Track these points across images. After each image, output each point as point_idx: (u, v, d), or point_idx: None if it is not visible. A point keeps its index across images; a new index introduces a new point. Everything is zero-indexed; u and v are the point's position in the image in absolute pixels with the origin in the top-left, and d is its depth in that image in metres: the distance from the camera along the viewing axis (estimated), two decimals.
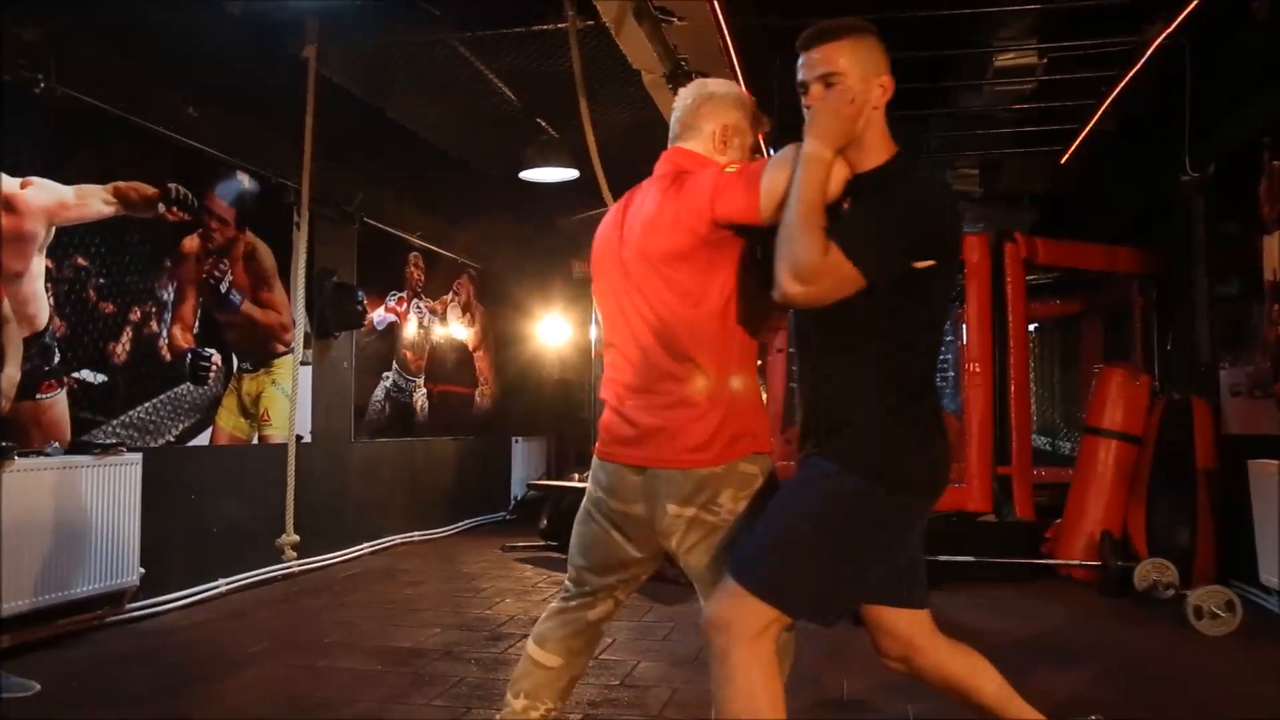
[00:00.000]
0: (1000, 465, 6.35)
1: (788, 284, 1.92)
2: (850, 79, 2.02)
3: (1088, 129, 5.68)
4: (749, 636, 1.94)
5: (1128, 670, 4.06)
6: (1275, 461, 4.86)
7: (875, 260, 1.93)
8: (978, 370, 6.36)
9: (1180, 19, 4.45)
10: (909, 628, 2.26)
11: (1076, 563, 5.81)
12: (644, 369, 2.21)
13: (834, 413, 2.09)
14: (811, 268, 1.90)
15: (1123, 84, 5.09)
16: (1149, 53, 4.70)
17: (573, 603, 2.41)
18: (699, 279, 2.13)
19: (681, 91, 2.40)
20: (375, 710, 3.40)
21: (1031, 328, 10.72)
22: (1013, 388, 6.43)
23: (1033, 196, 8.18)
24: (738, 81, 4.72)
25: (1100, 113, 5.51)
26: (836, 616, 2.08)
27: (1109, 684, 3.81)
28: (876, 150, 2.07)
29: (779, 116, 6.73)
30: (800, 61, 2.09)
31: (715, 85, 2.37)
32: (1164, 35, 4.54)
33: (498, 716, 2.43)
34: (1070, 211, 8.49)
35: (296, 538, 5.68)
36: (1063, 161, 6.60)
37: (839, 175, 2.02)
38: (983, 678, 2.30)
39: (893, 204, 1.99)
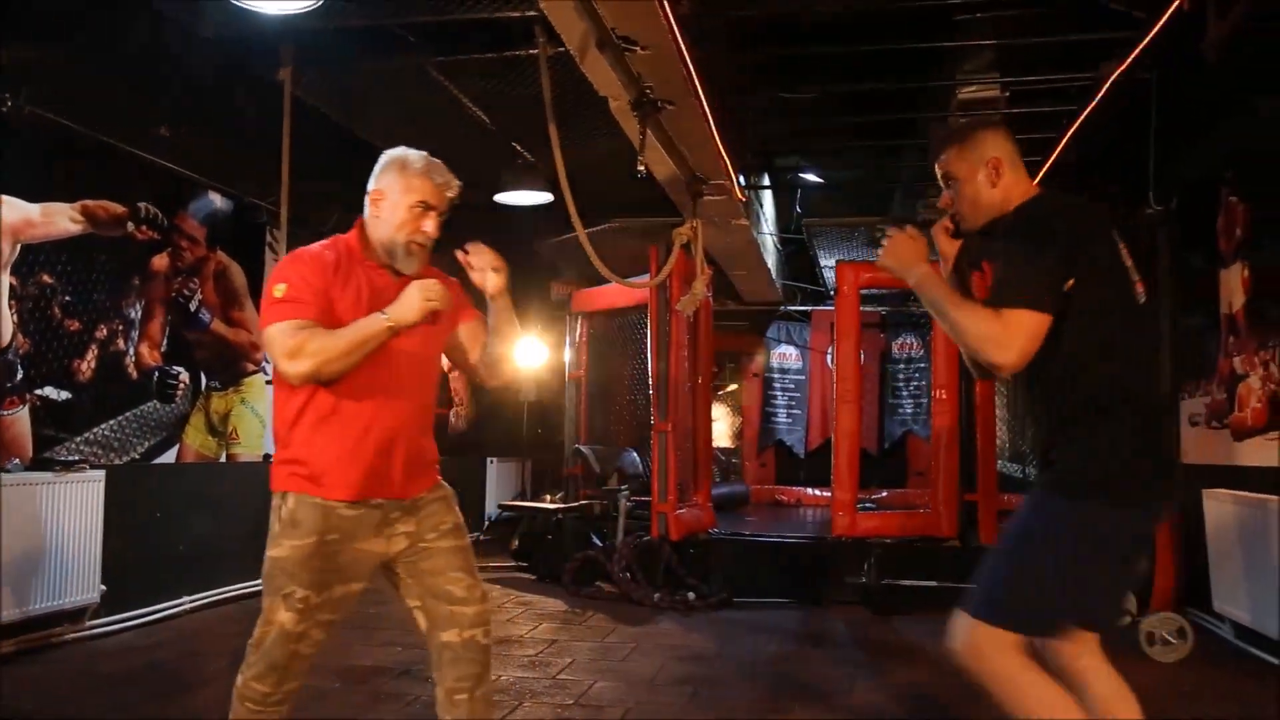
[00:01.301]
0: (967, 492, 6.41)
1: (995, 357, 2.12)
2: (963, 178, 2.35)
3: (1050, 162, 5.78)
4: (999, 653, 2.16)
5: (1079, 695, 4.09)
6: (1229, 491, 4.94)
7: (1037, 292, 2.10)
8: (944, 397, 6.43)
9: (1132, 58, 4.56)
10: (1085, 640, 2.32)
11: None
12: None
13: (1046, 445, 2.30)
14: (998, 335, 2.10)
15: (1081, 119, 5.19)
16: (1104, 89, 4.80)
17: None
18: None
19: None
20: None
21: None
22: (979, 415, 6.49)
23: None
24: (703, 109, 4.80)
25: (1062, 146, 5.61)
26: (1074, 627, 2.26)
27: None
28: (1014, 199, 2.32)
29: (750, 145, 6.88)
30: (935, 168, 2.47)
31: (390, 152, 2.57)
32: (1118, 73, 4.64)
33: None
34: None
35: None
36: None
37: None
38: (1122, 707, 2.33)
39: (1016, 239, 2.20)
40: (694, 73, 4.36)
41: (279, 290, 2.34)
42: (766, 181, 8.32)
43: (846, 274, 6.55)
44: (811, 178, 8.28)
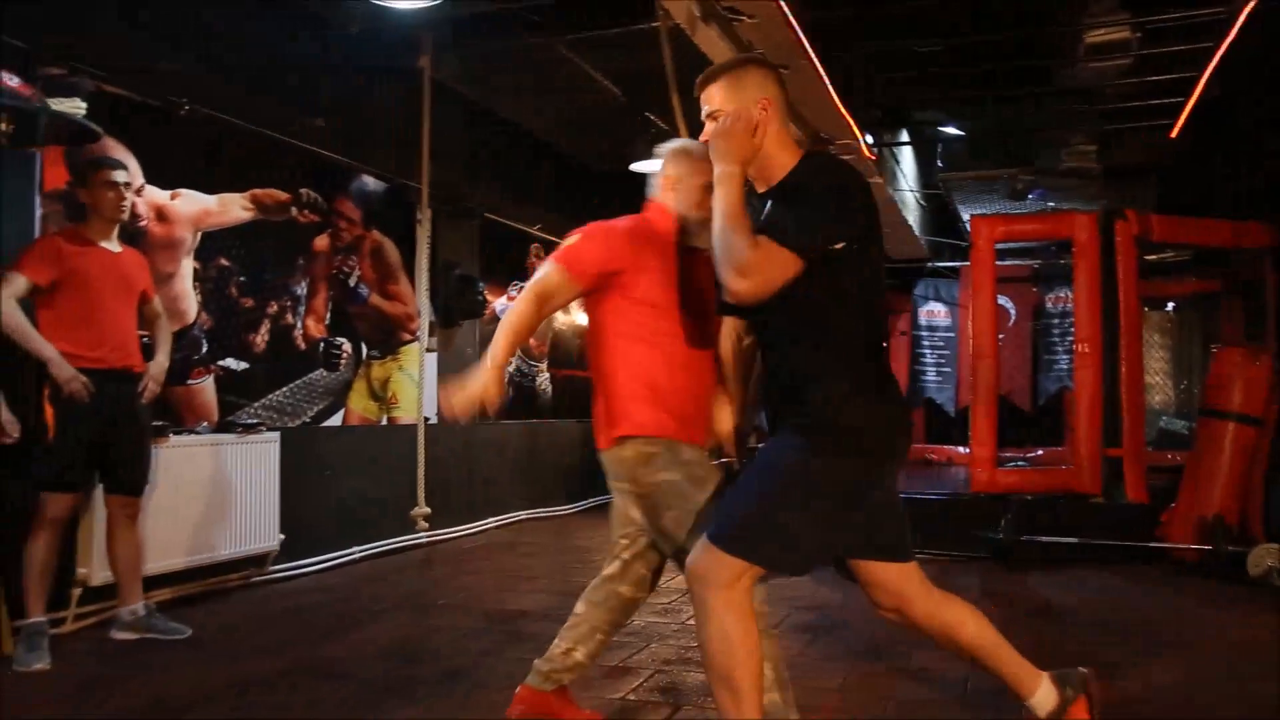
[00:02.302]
0: (1112, 447, 6.27)
1: (733, 282, 2.16)
2: (726, 114, 2.29)
3: (1192, 102, 5.54)
4: (723, 585, 2.20)
5: (1217, 654, 4.04)
6: None
7: (804, 240, 2.16)
8: (1087, 351, 6.29)
9: None
10: (897, 580, 2.44)
11: (1186, 546, 5.69)
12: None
13: (792, 392, 2.32)
14: (748, 261, 2.13)
15: (1218, 56, 4.96)
16: (1238, 24, 4.59)
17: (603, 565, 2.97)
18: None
19: None
20: (471, 661, 3.76)
21: (1170, 306, 10.38)
22: (1124, 368, 6.32)
23: (1159, 171, 7.94)
24: (817, 70, 4.87)
25: (1202, 85, 5.37)
26: (805, 568, 2.36)
27: (1191, 665, 3.82)
28: (781, 159, 2.32)
29: (879, 101, 6.85)
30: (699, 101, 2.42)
31: (671, 144, 2.90)
32: (1249, 7, 4.44)
33: None
34: (1202, 186, 8.19)
35: (428, 509, 6.16)
36: (1174, 135, 6.42)
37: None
38: (972, 627, 2.47)
39: (808, 192, 2.23)
40: (803, 36, 4.44)
41: (568, 240, 2.79)
42: (904, 138, 8.24)
43: (981, 228, 6.47)
44: (950, 131, 8.14)
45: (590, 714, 3.07)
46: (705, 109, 2.38)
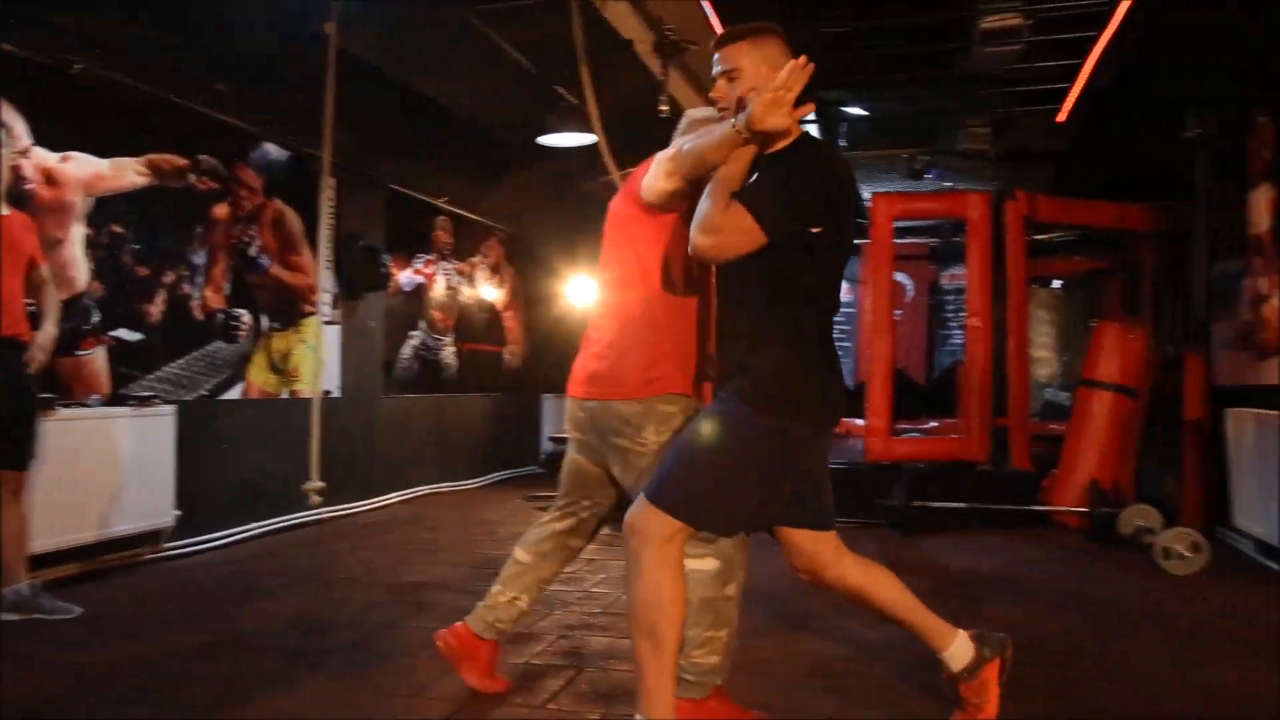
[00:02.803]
0: (999, 417, 6.54)
1: (696, 237, 2.30)
2: (747, 75, 2.40)
3: (1078, 88, 5.78)
4: (658, 541, 2.32)
5: (1091, 606, 4.29)
6: (1250, 410, 5.02)
7: (771, 217, 2.26)
8: (978, 325, 6.54)
9: None
10: (813, 546, 2.54)
11: (1064, 509, 5.99)
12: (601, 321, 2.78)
13: (739, 357, 2.42)
14: (713, 222, 2.27)
15: (1102, 45, 5.19)
16: (1120, 13, 4.81)
17: (547, 516, 3.01)
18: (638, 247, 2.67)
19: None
20: (373, 631, 3.77)
21: (1056, 284, 10.81)
22: (1012, 342, 6.59)
23: (1052, 155, 8.24)
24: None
25: (1088, 72, 5.60)
26: (737, 530, 2.50)
27: (1066, 617, 4.05)
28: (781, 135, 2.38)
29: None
30: (714, 59, 2.48)
31: (697, 112, 2.84)
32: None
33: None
34: (1093, 169, 8.53)
35: (322, 484, 6.08)
36: (1061, 120, 6.70)
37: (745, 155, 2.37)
38: (885, 589, 2.59)
39: (789, 174, 2.33)
40: (713, 14, 4.50)
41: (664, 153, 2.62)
42: (810, 117, 8.37)
43: (880, 205, 6.66)
44: (854, 111, 8.30)
45: (500, 679, 3.12)
46: (720, 67, 2.45)
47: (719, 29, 4.69)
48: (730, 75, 2.43)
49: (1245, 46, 5.31)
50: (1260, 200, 5.25)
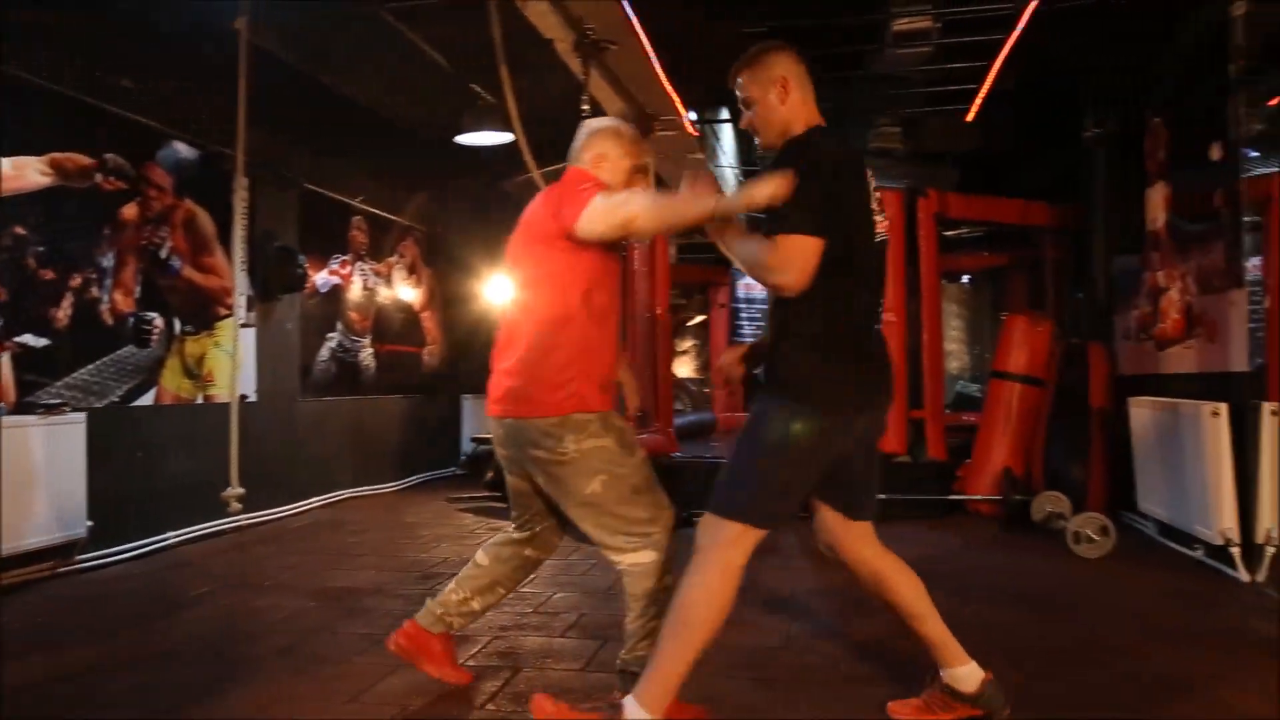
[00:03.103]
0: (914, 409, 6.71)
1: (776, 280, 2.39)
2: (756, 99, 2.57)
3: (985, 90, 5.98)
4: (723, 543, 2.44)
5: (1007, 587, 4.45)
6: (1149, 398, 5.26)
7: (808, 218, 2.34)
8: (892, 320, 6.68)
9: None
10: (841, 528, 2.68)
11: (979, 498, 6.20)
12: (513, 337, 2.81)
13: (772, 357, 2.55)
14: (775, 261, 2.35)
15: (1008, 47, 5.39)
16: (1026, 17, 5.00)
17: (510, 525, 3.06)
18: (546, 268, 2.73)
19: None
20: (302, 639, 3.71)
21: (965, 279, 11.13)
22: (926, 336, 6.77)
23: (959, 155, 8.47)
24: (645, 48, 4.98)
25: (995, 74, 5.81)
26: (785, 519, 2.58)
27: (986, 597, 4.19)
28: (792, 128, 2.55)
29: (703, 78, 7.03)
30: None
31: (598, 122, 2.96)
32: (1034, 3, 4.84)
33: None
34: (998, 168, 8.80)
35: (241, 490, 5.95)
36: (970, 120, 6.91)
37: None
38: (907, 588, 2.67)
39: (803, 180, 2.36)
40: (632, 14, 4.54)
41: (586, 183, 2.67)
42: (724, 116, 8.48)
43: None
44: None
45: (464, 671, 3.13)
46: (740, 96, 2.62)
47: (639, 28, 4.73)
48: (747, 104, 2.59)
49: (1140, 52, 5.55)
50: (1156, 198, 5.50)
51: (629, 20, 4.52)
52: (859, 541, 2.67)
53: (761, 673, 3.26)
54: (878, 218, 2.55)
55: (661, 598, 2.66)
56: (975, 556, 5.27)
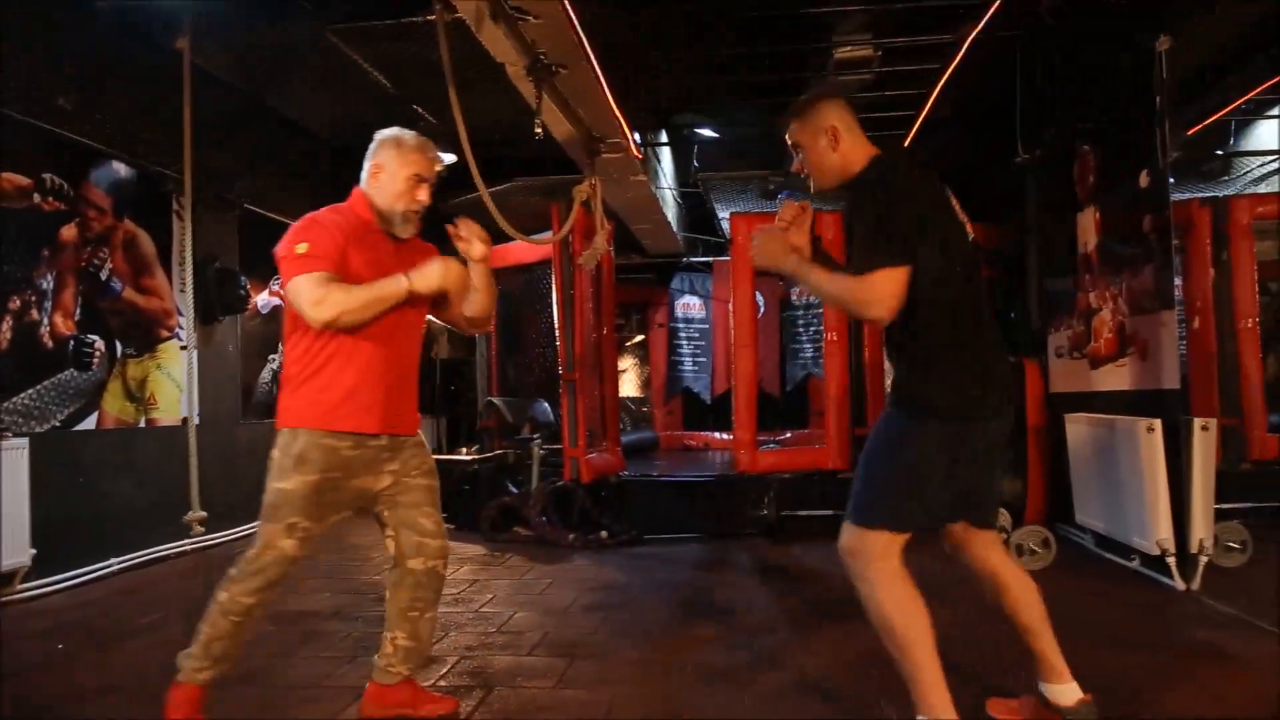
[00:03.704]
0: (858, 427, 6.86)
1: (868, 314, 2.49)
2: (806, 145, 2.70)
3: (923, 116, 6.19)
4: (877, 557, 2.54)
5: (953, 601, 4.56)
6: (1085, 415, 5.46)
7: (889, 249, 2.45)
8: (835, 339, 6.85)
9: (985, 19, 4.96)
10: (965, 535, 2.80)
11: None
12: None
13: (895, 372, 2.68)
14: (866, 298, 2.45)
15: (946, 75, 5.59)
16: (964, 49, 5.19)
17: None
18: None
19: None
20: (264, 664, 3.66)
21: None
22: (867, 355, 6.93)
23: None
24: (595, 72, 5.05)
25: (932, 101, 6.01)
26: (931, 523, 2.66)
27: (931, 610, 4.30)
28: (854, 165, 2.65)
29: (646, 104, 7.14)
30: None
31: (384, 132, 2.96)
32: (975, 33, 5.04)
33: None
34: None
35: (204, 514, 5.87)
36: (906, 145, 7.12)
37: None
38: (1024, 595, 2.79)
39: (866, 204, 2.51)
40: (584, 39, 4.60)
41: (301, 248, 2.68)
42: (664, 139, 8.60)
43: (740, 225, 6.89)
44: (707, 133, 8.58)
45: (444, 699, 3.12)
46: (790, 142, 2.75)
47: (590, 52, 4.80)
48: (797, 149, 2.72)
49: (1071, 81, 5.80)
50: (1087, 221, 5.74)
51: (581, 44, 4.58)
52: (983, 548, 2.79)
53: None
54: (966, 224, 2.66)
55: (210, 608, 2.80)
56: (924, 568, 5.39)
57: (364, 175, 2.91)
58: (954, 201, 2.65)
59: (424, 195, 2.90)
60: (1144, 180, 4.95)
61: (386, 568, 3.06)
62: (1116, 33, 5.18)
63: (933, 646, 2.53)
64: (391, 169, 2.85)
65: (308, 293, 2.65)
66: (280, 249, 2.76)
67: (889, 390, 2.75)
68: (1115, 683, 3.27)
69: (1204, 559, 4.50)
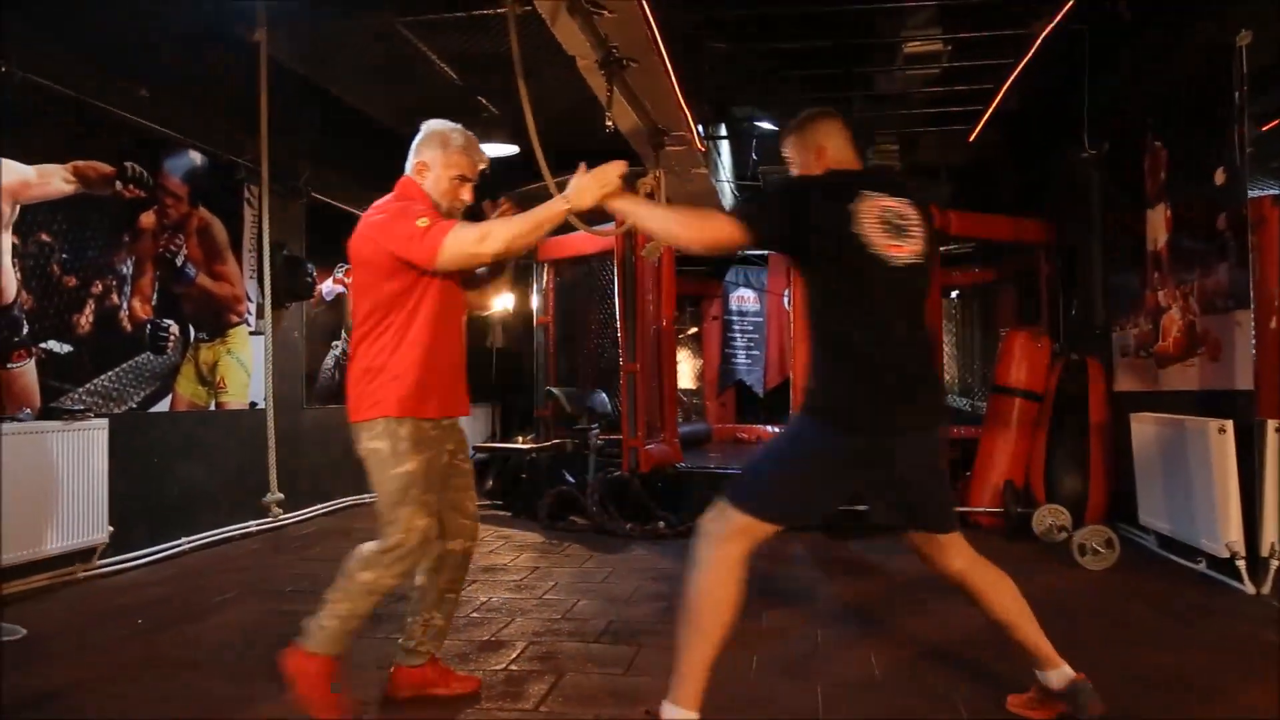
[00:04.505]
0: None
1: (680, 237, 2.65)
2: (795, 160, 2.85)
3: (990, 110, 6.13)
4: (725, 538, 2.57)
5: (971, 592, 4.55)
6: (1151, 414, 5.40)
7: (750, 218, 2.59)
8: None
9: (1062, 13, 4.90)
10: (926, 545, 2.81)
11: (982, 510, 6.32)
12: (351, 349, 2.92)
13: (808, 376, 2.73)
14: (691, 224, 2.62)
15: (1018, 70, 5.54)
16: (1037, 43, 5.15)
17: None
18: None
19: None
20: None
21: (954, 294, 11.29)
22: None
23: (952, 171, 8.65)
24: (665, 65, 5.07)
25: (1001, 95, 5.95)
26: (795, 522, 2.77)
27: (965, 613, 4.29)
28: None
29: (709, 95, 7.16)
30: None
31: (431, 126, 3.00)
32: (1050, 28, 4.99)
33: None
34: (990, 185, 8.98)
35: (281, 495, 6.02)
36: (971, 139, 7.06)
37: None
38: (1003, 596, 2.82)
39: (777, 185, 2.72)
40: (657, 33, 4.63)
41: (424, 221, 2.72)
42: (723, 132, 8.61)
43: None
44: (766, 126, 8.56)
45: (468, 677, 3.19)
46: (784, 152, 2.90)
47: (661, 45, 4.83)
48: (789, 163, 2.85)
49: (1141, 75, 5.72)
50: (1156, 218, 5.66)
51: (654, 39, 4.61)
52: (947, 556, 2.79)
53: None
54: (895, 242, 2.57)
55: (350, 585, 2.81)
56: None
57: (409, 167, 2.95)
58: (889, 219, 2.59)
59: (467, 195, 2.96)
60: (1219, 178, 4.88)
61: None
62: (1192, 26, 5.10)
63: (717, 649, 2.55)
64: (437, 169, 2.91)
65: (464, 237, 2.68)
66: (401, 239, 2.73)
67: (805, 390, 2.81)
68: (1186, 679, 3.26)
69: (1275, 563, 4.44)
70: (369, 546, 2.81)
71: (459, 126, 2.98)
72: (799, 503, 2.68)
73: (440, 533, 3.01)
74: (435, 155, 2.91)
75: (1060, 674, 2.79)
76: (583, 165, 2.77)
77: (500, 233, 2.67)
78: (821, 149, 2.76)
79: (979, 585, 2.80)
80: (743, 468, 2.76)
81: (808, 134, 2.80)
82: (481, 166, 2.98)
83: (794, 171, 2.85)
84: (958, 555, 2.80)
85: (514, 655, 3.60)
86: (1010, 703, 2.97)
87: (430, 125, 2.97)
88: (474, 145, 2.97)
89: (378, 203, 2.91)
